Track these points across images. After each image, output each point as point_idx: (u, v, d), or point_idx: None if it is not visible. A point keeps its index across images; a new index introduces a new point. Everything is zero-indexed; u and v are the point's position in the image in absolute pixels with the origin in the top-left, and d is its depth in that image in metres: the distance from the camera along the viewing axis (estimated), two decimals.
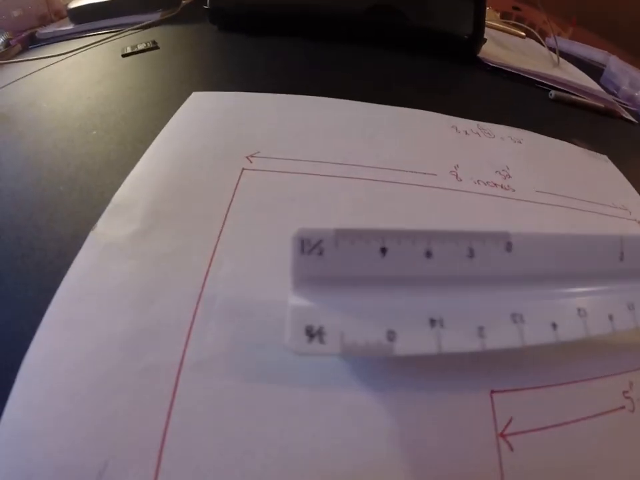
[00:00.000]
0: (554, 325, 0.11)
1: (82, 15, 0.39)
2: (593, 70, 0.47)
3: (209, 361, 0.12)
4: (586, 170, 0.24)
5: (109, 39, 0.35)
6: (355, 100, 0.24)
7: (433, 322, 0.10)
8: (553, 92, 0.33)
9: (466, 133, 0.23)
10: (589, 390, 0.13)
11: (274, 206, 0.17)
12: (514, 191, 0.19)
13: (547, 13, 0.53)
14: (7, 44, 0.35)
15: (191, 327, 0.12)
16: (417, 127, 0.23)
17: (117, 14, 0.39)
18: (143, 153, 0.19)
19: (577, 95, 0.35)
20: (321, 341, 0.10)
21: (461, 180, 0.19)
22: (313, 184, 0.18)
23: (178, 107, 0.22)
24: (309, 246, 0.11)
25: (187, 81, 0.26)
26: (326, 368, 0.12)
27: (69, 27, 0.39)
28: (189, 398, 0.11)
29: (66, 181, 0.18)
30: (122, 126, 0.22)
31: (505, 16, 0.71)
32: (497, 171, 0.20)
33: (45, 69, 0.30)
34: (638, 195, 0.23)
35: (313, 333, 0.10)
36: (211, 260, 0.14)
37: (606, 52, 0.52)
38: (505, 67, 0.36)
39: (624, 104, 0.40)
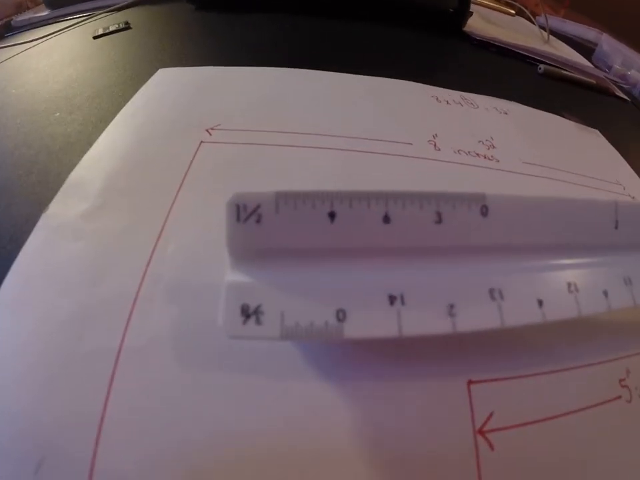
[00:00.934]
0: (540, 302, 0.10)
1: (57, 1, 0.38)
2: (585, 49, 0.46)
3: (150, 345, 0.11)
4: (577, 143, 0.22)
5: (83, 22, 0.34)
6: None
7: (392, 299, 0.08)
8: (542, 66, 0.32)
9: (447, 103, 0.21)
10: (581, 378, 0.12)
11: (231, 179, 0.15)
12: (498, 161, 0.18)
13: None
14: None
15: (132, 310, 0.11)
16: (393, 96, 0.21)
17: None
18: None
19: (567, 70, 0.33)
20: (258, 322, 0.08)
21: (439, 149, 0.17)
22: (278, 155, 0.17)
23: None
24: (245, 213, 0.09)
25: (159, 60, 0.25)
26: (280, 355, 0.11)
27: (45, 12, 0.38)
28: (126, 385, 0.10)
29: (25, 164, 0.18)
30: (86, 107, 0.21)
31: None
32: (480, 141, 0.19)
33: (17, 55, 0.30)
34: (632, 170, 0.22)
35: (249, 313, 0.08)
36: (159, 237, 0.13)
37: (598, 30, 0.50)
38: (491, 40, 0.34)
39: (616, 81, 0.38)
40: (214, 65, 0.23)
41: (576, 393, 0.12)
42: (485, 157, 0.18)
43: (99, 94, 0.22)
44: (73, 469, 0.09)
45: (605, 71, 0.42)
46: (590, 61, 0.43)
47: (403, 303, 0.08)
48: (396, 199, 0.09)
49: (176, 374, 0.10)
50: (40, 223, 0.14)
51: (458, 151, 0.18)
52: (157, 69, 0.23)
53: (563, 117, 0.25)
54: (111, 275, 0.12)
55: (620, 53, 0.44)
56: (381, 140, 0.17)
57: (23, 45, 0.31)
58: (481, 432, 0.10)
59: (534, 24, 0.48)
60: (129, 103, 0.20)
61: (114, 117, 0.19)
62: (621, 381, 0.12)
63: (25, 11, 0.40)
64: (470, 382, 0.11)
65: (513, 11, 0.49)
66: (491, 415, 0.11)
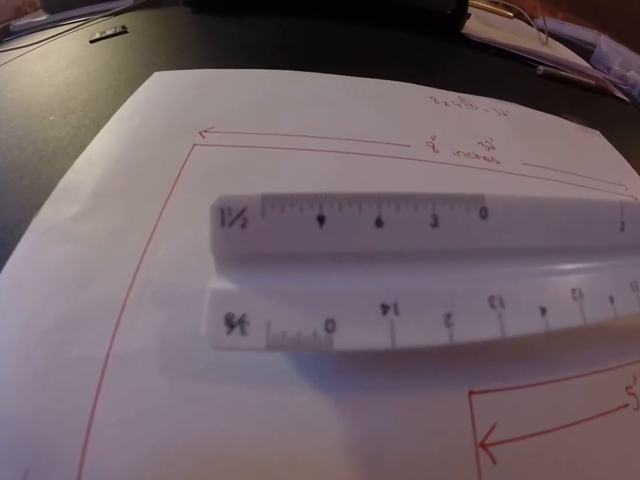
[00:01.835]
0: (543, 310, 0.09)
1: (55, 5, 0.38)
2: (583, 51, 0.45)
3: (137, 354, 0.10)
4: (578, 144, 0.22)
5: (80, 27, 0.34)
6: None
7: (385, 308, 0.08)
8: (541, 67, 0.31)
9: (446, 104, 0.21)
10: (586, 387, 0.12)
11: (223, 182, 0.15)
12: (498, 162, 0.17)
13: None
14: None
15: (120, 316, 0.11)
16: (390, 98, 0.21)
17: (90, 2, 0.38)
18: None
19: (566, 72, 0.33)
20: (243, 332, 0.08)
21: (438, 151, 0.17)
22: (273, 158, 0.16)
23: None
24: (230, 217, 0.08)
25: (155, 63, 0.25)
26: (270, 364, 0.10)
27: (43, 17, 0.38)
28: (113, 395, 0.10)
29: (18, 167, 0.18)
30: (80, 110, 0.21)
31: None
32: (479, 142, 0.18)
33: (15, 60, 0.30)
34: (634, 170, 0.22)
35: (233, 323, 0.08)
36: (149, 241, 0.13)
37: (596, 32, 0.50)
38: (489, 42, 0.34)
39: (615, 82, 0.38)
40: (211, 68, 0.23)
41: (581, 402, 0.11)
42: (485, 159, 0.17)
43: (94, 98, 0.22)
44: (60, 477, 0.09)
45: (604, 72, 0.41)
46: (589, 62, 0.43)
47: (396, 312, 0.08)
48: (389, 201, 0.08)
49: (164, 381, 0.10)
50: (31, 227, 0.14)
51: (457, 152, 0.17)
52: (153, 72, 0.22)
53: (564, 117, 0.24)
54: (100, 279, 0.12)
55: (619, 54, 0.44)
56: (378, 142, 0.17)
57: (20, 49, 0.31)
58: (482, 445, 0.10)
59: (532, 26, 0.47)
60: (123, 106, 0.20)
61: (108, 120, 0.19)
62: (627, 388, 0.12)
63: (23, 16, 0.40)
64: (471, 392, 0.10)
65: (510, 14, 0.49)
66: (494, 426, 0.10)
